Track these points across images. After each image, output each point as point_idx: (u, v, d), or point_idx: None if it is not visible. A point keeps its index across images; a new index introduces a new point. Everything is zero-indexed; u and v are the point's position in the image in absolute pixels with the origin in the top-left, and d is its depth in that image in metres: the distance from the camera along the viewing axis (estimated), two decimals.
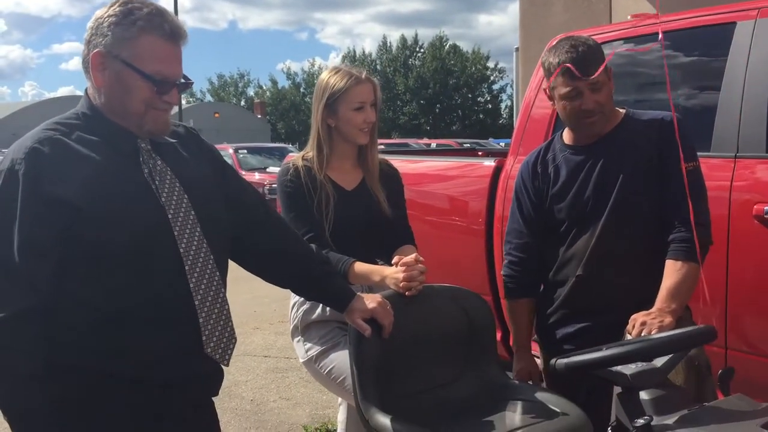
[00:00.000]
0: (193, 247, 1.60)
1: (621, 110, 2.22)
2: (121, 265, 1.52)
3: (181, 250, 1.58)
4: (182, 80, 1.62)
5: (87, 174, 1.50)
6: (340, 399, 2.64)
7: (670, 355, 1.55)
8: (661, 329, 1.82)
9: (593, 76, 2.04)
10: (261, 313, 6.21)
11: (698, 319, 2.08)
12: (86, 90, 1.63)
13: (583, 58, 2.05)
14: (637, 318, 1.89)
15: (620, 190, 2.09)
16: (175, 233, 1.58)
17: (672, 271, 1.99)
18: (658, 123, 2.11)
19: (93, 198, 1.49)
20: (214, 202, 1.72)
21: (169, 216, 1.58)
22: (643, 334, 1.84)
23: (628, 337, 1.90)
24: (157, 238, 1.56)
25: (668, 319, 1.86)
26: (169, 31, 1.57)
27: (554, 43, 2.20)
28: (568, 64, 2.05)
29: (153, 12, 1.56)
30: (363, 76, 2.31)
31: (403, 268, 2.07)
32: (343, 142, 2.34)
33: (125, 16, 1.54)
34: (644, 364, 1.53)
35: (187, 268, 1.58)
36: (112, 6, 1.57)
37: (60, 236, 1.47)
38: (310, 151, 2.37)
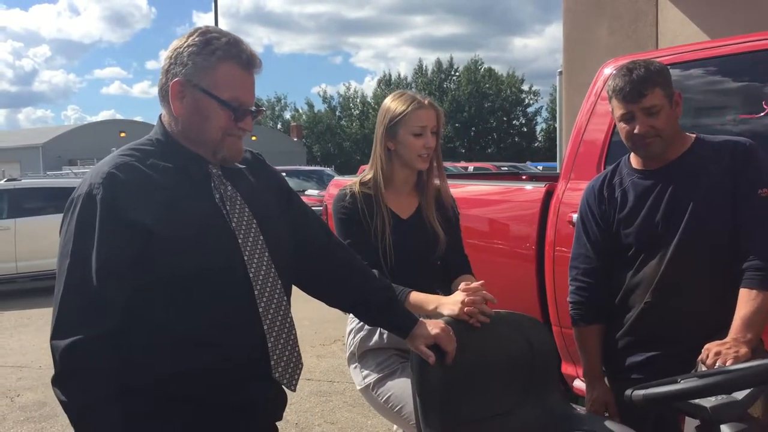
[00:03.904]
0: (262, 272, 1.61)
1: (690, 135, 2.17)
2: (194, 289, 1.53)
3: (251, 275, 1.59)
4: (255, 107, 1.64)
5: (161, 199, 1.52)
6: (395, 426, 2.61)
7: (751, 388, 1.49)
8: (736, 360, 1.77)
9: (645, 101, 2.02)
10: (302, 335, 6.07)
11: None
12: (160, 117, 1.66)
13: (637, 81, 2.03)
14: (711, 348, 1.84)
15: (691, 216, 2.04)
16: (245, 258, 1.59)
17: (746, 300, 1.93)
18: (731, 147, 2.06)
19: (167, 223, 1.51)
20: (280, 227, 1.73)
21: (239, 241, 1.59)
22: (717, 365, 1.78)
23: (702, 367, 1.84)
24: (228, 263, 1.57)
25: (744, 350, 1.81)
26: (246, 60, 1.59)
27: (620, 65, 2.19)
28: (621, 87, 2.05)
29: (231, 42, 1.59)
30: (426, 102, 2.30)
31: (466, 292, 2.02)
32: (402, 166, 2.33)
33: (205, 46, 1.57)
34: (724, 396, 1.48)
35: (256, 292, 1.59)
36: (191, 36, 1.59)
37: (136, 260, 1.49)
38: (368, 174, 2.36)
